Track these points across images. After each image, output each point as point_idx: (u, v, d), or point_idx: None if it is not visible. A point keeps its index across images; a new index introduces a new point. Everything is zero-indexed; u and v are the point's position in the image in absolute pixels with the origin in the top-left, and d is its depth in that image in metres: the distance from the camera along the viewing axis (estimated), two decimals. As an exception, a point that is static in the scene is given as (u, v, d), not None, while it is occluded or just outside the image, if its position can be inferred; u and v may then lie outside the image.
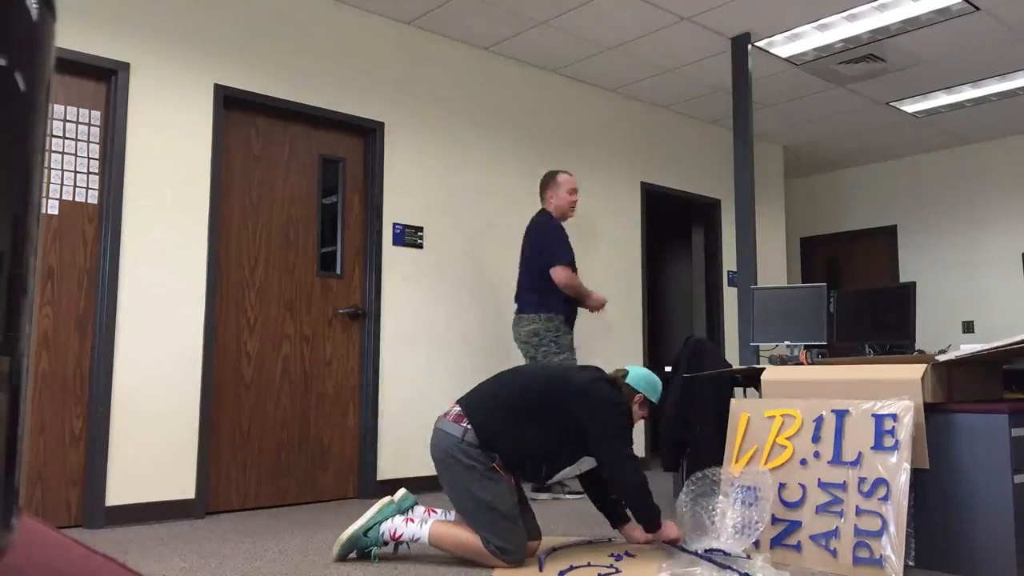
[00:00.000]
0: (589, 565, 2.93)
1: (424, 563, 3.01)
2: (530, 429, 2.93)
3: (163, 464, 3.96)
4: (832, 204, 8.79)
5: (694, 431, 3.91)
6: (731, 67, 5.40)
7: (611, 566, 2.90)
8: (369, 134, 4.92)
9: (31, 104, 0.38)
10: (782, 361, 3.94)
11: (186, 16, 4.25)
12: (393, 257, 4.91)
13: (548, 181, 4.79)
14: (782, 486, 3.07)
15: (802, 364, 3.72)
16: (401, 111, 5.04)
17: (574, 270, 4.59)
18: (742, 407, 3.35)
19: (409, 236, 4.99)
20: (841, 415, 3.02)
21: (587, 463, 3.14)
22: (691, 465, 3.99)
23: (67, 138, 3.89)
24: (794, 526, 3.00)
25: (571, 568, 2.87)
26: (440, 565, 2.97)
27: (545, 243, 4.57)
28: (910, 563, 2.94)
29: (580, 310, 4.74)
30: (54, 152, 3.86)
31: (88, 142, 3.95)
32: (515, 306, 4.71)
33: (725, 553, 2.92)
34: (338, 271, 4.77)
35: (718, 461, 3.30)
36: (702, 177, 6.96)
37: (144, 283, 3.99)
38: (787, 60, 5.66)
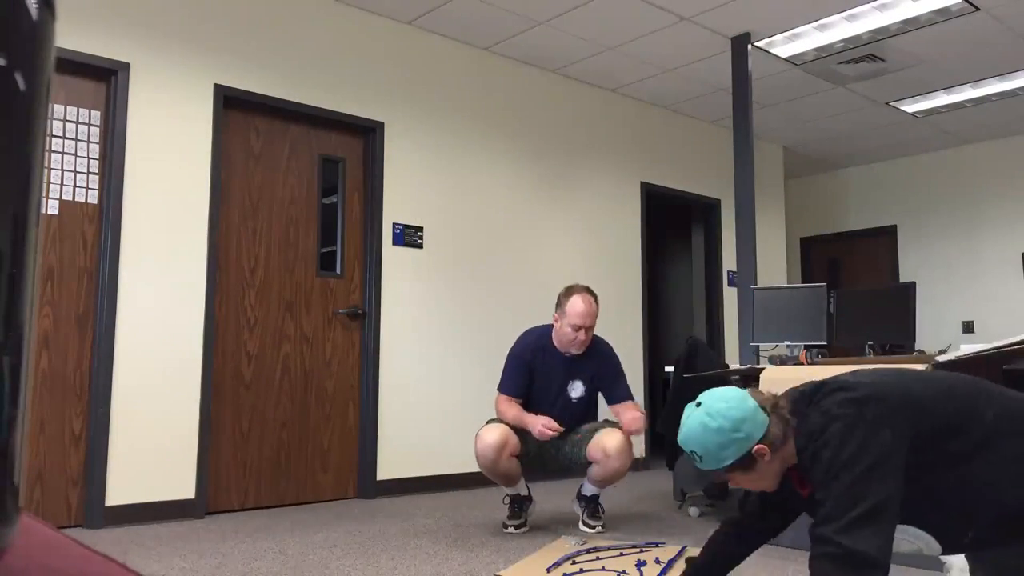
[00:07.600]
0: (604, 570, 2.91)
1: (425, 562, 3.01)
2: None
3: (163, 464, 3.96)
4: (832, 204, 8.79)
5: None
6: (731, 67, 5.40)
7: (622, 571, 2.88)
8: (369, 134, 4.92)
9: (31, 104, 0.38)
10: (782, 361, 3.93)
11: (186, 16, 4.25)
12: (393, 257, 4.91)
13: (560, 298, 3.72)
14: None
15: (802, 364, 3.72)
16: (401, 111, 5.04)
17: (522, 397, 3.70)
18: (742, 407, 3.34)
19: (409, 236, 4.99)
20: (841, 415, 3.02)
21: None
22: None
23: (67, 138, 3.89)
24: (794, 526, 3.00)
25: (580, 572, 2.86)
26: (441, 564, 2.98)
27: None
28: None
29: None
30: (54, 152, 3.86)
31: (88, 142, 3.95)
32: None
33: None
34: (338, 271, 4.77)
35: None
36: (702, 177, 6.96)
37: (144, 283, 3.99)
38: (787, 60, 5.66)
